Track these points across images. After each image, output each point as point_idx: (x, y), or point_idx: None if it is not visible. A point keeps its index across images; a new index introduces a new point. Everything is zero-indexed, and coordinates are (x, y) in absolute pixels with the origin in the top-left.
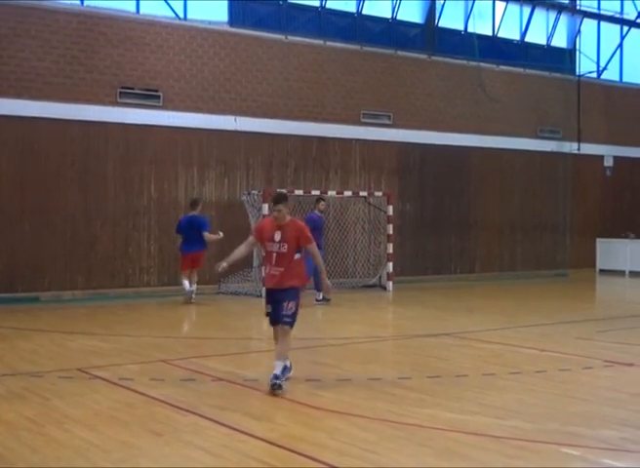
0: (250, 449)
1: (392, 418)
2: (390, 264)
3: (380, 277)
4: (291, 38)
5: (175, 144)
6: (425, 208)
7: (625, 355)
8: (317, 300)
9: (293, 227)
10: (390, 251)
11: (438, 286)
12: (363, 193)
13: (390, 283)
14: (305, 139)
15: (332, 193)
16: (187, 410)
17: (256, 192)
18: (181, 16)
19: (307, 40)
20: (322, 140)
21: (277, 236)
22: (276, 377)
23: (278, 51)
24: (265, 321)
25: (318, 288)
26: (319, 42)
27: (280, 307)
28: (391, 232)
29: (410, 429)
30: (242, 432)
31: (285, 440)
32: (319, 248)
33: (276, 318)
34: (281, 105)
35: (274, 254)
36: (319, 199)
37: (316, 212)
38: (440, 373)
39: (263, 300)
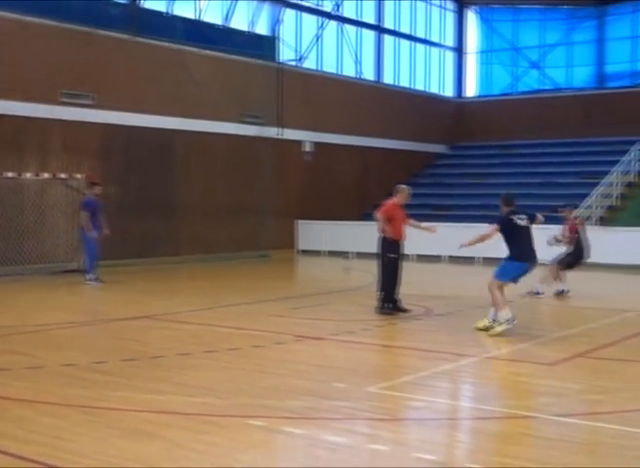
0: None
1: (84, 403)
2: None
3: (82, 261)
4: None
5: None
6: (129, 190)
7: (316, 330)
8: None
9: None
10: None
11: (142, 269)
12: (63, 175)
13: None
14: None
15: (29, 175)
16: None
17: None
18: None
19: (3, 13)
20: (17, 119)
21: None
22: None
23: None
24: None
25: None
26: (15, 16)
27: None
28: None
29: (101, 413)
30: None
31: None
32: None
33: None
34: None
35: None
36: (94, 183)
37: (91, 196)
38: (137, 356)
39: None
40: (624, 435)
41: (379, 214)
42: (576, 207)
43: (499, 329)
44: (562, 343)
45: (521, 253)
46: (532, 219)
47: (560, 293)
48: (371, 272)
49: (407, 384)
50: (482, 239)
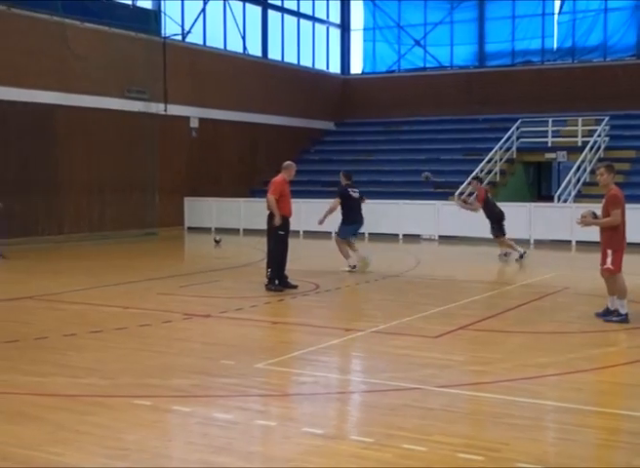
0: None
1: None
2: None
3: None
4: None
5: None
6: (9, 167)
7: (204, 307)
8: None
9: None
10: None
11: (24, 249)
12: None
13: None
14: None
15: None
16: None
17: None
18: None
19: None
20: None
21: None
22: None
23: None
24: None
25: None
26: None
27: None
28: None
29: None
30: None
31: None
32: None
33: None
34: None
35: None
36: None
37: None
38: (19, 338)
39: None
40: (505, 404)
41: (269, 194)
42: (480, 180)
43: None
44: (445, 317)
45: (354, 218)
46: (361, 196)
47: (522, 256)
48: (259, 249)
49: (295, 360)
50: (330, 211)
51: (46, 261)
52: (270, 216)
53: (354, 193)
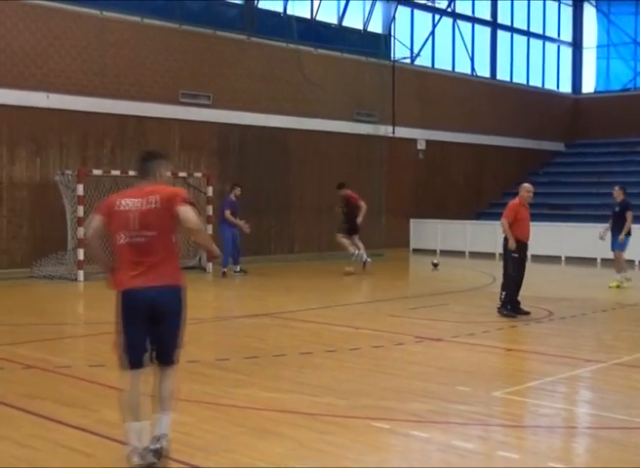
0: (61, 438)
1: (208, 400)
2: None
3: (199, 258)
4: (106, 14)
5: None
6: (245, 189)
7: (434, 331)
8: None
9: None
10: (210, 232)
11: (257, 266)
12: (182, 174)
13: (210, 264)
14: (122, 118)
15: None
16: None
17: (70, 172)
18: None
19: (124, 16)
20: (140, 120)
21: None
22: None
23: (93, 26)
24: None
25: None
26: (136, 19)
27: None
28: (211, 213)
29: (226, 410)
30: (53, 420)
31: (98, 426)
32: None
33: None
34: (97, 83)
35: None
36: (235, 185)
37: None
38: (258, 354)
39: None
40: None
41: (502, 218)
42: None
43: None
44: None
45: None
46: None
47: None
48: (487, 272)
49: (533, 389)
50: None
51: (280, 278)
52: (506, 240)
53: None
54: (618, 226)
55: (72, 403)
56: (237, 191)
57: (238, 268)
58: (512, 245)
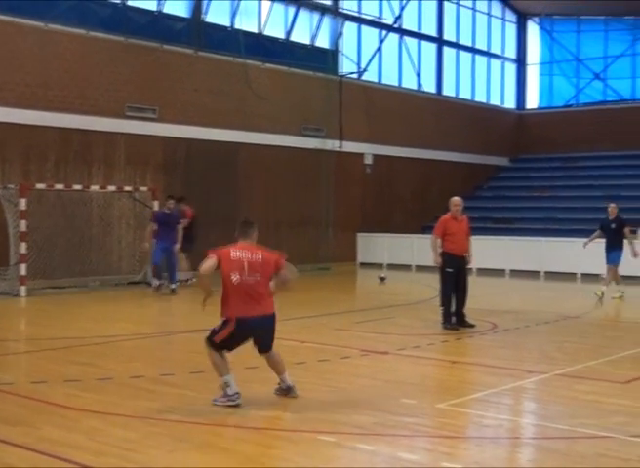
0: (3, 456)
1: (153, 415)
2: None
3: (145, 273)
4: (51, 26)
5: None
6: (191, 203)
7: (381, 344)
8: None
9: None
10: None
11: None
12: (128, 188)
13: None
14: (67, 132)
15: (95, 188)
16: None
17: (12, 186)
18: None
19: (68, 29)
20: (84, 133)
21: None
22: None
23: (37, 38)
24: None
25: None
26: (81, 31)
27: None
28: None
29: (171, 425)
30: None
31: (41, 444)
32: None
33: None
34: (40, 95)
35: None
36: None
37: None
38: (203, 369)
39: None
40: None
41: (432, 232)
42: None
43: None
44: (636, 362)
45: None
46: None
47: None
48: (433, 286)
49: (477, 401)
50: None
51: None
52: (441, 255)
53: None
54: (615, 241)
55: (15, 420)
56: (169, 204)
57: (173, 285)
58: (436, 260)
